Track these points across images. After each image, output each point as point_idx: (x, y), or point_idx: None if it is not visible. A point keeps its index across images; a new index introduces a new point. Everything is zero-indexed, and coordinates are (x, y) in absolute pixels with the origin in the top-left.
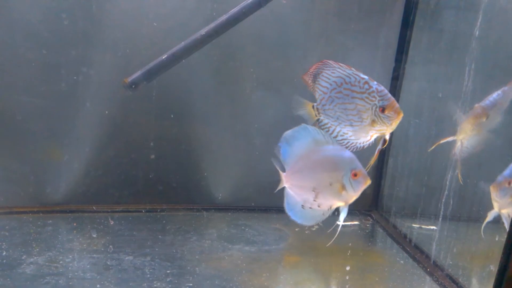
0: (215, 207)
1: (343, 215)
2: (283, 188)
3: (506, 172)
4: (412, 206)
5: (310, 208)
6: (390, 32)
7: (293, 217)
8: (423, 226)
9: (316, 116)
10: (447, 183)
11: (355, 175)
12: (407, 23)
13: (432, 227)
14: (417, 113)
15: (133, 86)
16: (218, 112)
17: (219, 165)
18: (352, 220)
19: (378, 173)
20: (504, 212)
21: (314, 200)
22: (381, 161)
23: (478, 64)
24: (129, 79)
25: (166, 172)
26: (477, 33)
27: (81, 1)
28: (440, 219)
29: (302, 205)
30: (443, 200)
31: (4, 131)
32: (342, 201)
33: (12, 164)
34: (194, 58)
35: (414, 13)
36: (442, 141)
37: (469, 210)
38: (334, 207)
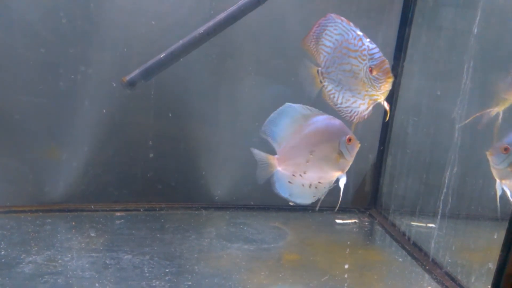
0: (214, 206)
1: (343, 182)
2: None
3: (505, 139)
4: (411, 204)
5: (311, 185)
6: (388, 30)
7: (292, 200)
8: (422, 224)
9: (321, 82)
10: (446, 180)
11: (349, 140)
12: (405, 21)
13: (431, 225)
14: (416, 111)
15: (131, 85)
16: (216, 110)
17: (218, 163)
18: (351, 218)
19: (377, 171)
20: (505, 182)
21: (302, 174)
22: (379, 159)
23: (477, 61)
24: (127, 77)
25: (165, 171)
26: (475, 30)
27: (79, 0)
28: (439, 216)
29: (303, 184)
30: (442, 198)
31: (3, 130)
32: (339, 170)
33: (11, 163)
34: (192, 56)
35: (412, 10)
36: (478, 114)
37: (468, 207)
38: (334, 178)
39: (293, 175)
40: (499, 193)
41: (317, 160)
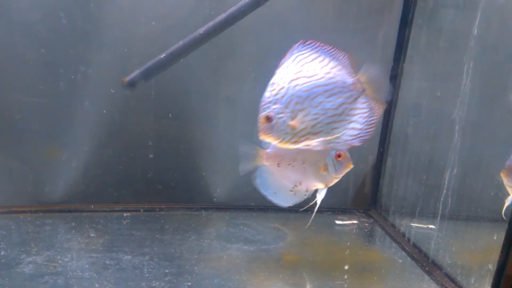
0: (214, 206)
1: (320, 196)
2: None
3: None
4: (411, 205)
5: (293, 188)
6: (388, 30)
7: (270, 198)
8: (421, 225)
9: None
10: (446, 182)
11: (339, 156)
12: (405, 22)
13: (430, 226)
14: (416, 112)
15: (132, 85)
16: (217, 111)
17: (218, 164)
18: (350, 219)
19: (377, 171)
20: None
21: (299, 183)
22: (379, 160)
23: (477, 63)
24: (128, 78)
25: (165, 171)
26: (475, 31)
27: (80, 0)
28: (439, 218)
29: (290, 189)
30: (442, 199)
31: (2, 130)
32: (322, 183)
33: (11, 163)
34: (192, 57)
35: (412, 11)
36: None
37: (468, 209)
38: (314, 188)
39: (288, 183)
40: (507, 204)
41: (303, 165)
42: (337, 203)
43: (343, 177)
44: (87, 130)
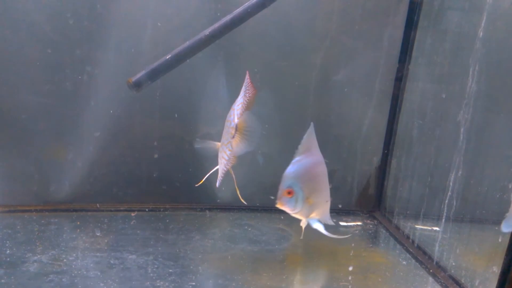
0: (218, 207)
1: (304, 223)
2: None
3: None
4: (415, 207)
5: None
6: (394, 32)
7: None
8: (426, 227)
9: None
10: (450, 184)
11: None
12: (411, 24)
13: (435, 228)
14: (421, 114)
15: (137, 86)
16: (222, 112)
17: None
18: (355, 221)
19: (382, 173)
20: None
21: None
22: (384, 162)
23: (482, 65)
24: (133, 78)
25: (170, 172)
26: (481, 34)
27: (86, 0)
28: (443, 220)
29: None
30: (446, 201)
31: (9, 130)
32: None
33: (16, 163)
34: (198, 58)
35: (418, 13)
36: None
37: (472, 211)
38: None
39: None
40: None
41: None
42: (341, 204)
43: (347, 178)
44: (93, 130)
